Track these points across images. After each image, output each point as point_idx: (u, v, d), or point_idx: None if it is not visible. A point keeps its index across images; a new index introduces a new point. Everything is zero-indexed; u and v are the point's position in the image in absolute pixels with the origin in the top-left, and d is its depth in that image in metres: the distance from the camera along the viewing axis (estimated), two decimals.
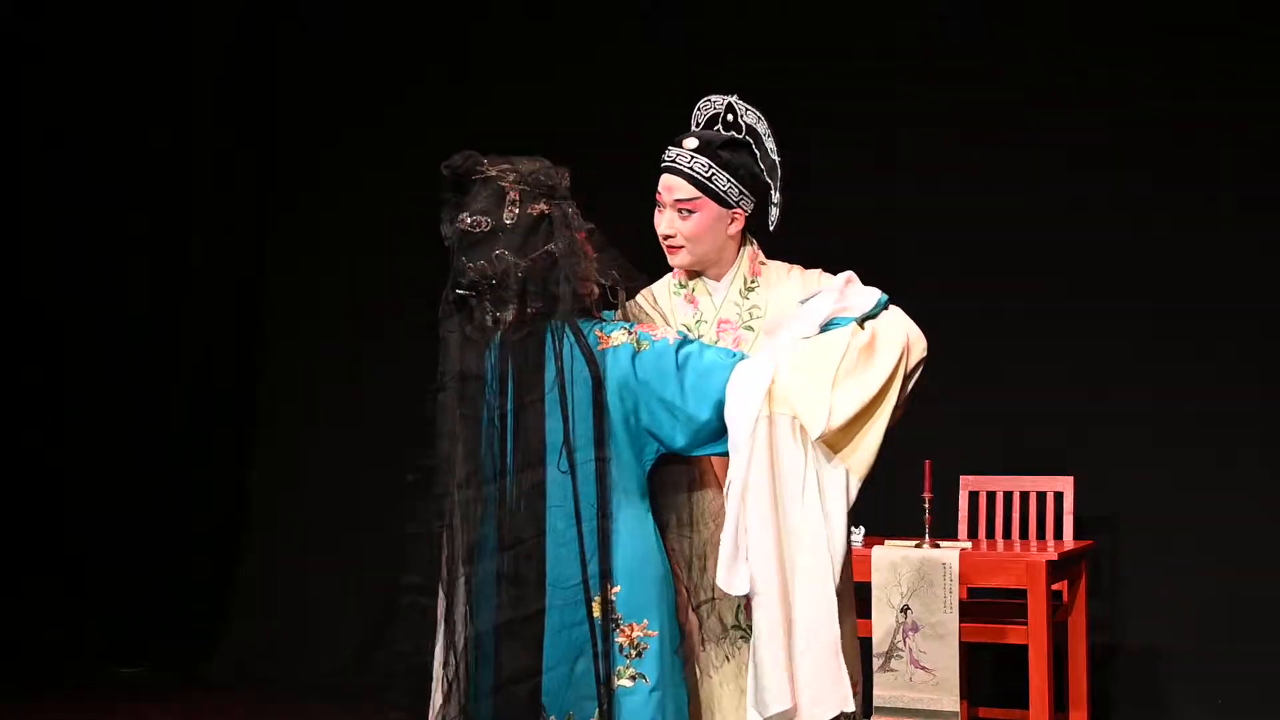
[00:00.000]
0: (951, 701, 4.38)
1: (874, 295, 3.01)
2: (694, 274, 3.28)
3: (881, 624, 4.46)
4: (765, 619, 2.86)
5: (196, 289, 7.91)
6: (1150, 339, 5.86)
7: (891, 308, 3.00)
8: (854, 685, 2.93)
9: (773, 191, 3.21)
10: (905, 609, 4.42)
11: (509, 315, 2.94)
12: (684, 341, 2.95)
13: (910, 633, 4.42)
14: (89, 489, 7.85)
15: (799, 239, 3.33)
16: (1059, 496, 5.35)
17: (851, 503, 2.90)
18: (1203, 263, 5.79)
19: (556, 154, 3.05)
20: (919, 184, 6.23)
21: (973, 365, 6.09)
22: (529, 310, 2.93)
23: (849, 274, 3.08)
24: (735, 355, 2.94)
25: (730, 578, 2.88)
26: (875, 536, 4.71)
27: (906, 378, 2.91)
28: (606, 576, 2.90)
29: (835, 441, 2.87)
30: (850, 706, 2.90)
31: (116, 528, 7.86)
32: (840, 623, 2.92)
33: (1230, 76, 5.75)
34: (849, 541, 2.94)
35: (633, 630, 2.92)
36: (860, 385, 2.87)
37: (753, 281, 3.28)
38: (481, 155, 3.04)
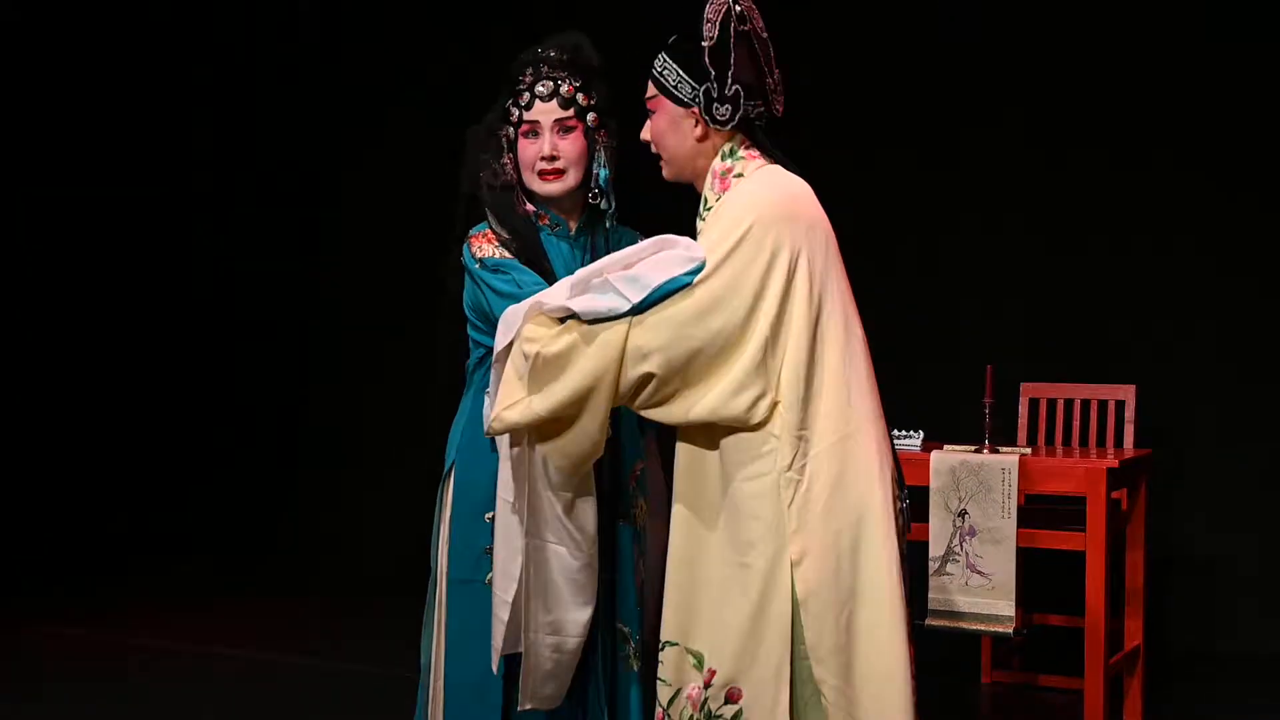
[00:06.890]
0: (1007, 607, 4.37)
1: (665, 272, 2.73)
2: None
3: (938, 528, 4.45)
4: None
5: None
6: (1213, 248, 5.79)
7: (657, 309, 2.71)
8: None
9: (710, 81, 2.83)
10: (963, 513, 4.41)
11: None
12: (485, 263, 3.04)
13: (967, 537, 4.41)
14: (148, 384, 7.95)
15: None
16: (1120, 405, 5.30)
17: (551, 484, 2.81)
18: (1267, 170, 5.69)
19: None
20: (972, 96, 6.14)
21: (1034, 271, 6.03)
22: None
23: (667, 238, 2.81)
24: (523, 291, 2.94)
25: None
26: (934, 441, 4.68)
27: (620, 394, 2.75)
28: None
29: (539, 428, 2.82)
30: (494, 669, 2.97)
31: (175, 422, 7.96)
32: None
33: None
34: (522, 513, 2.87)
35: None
36: (536, 401, 2.77)
37: (717, 198, 2.89)
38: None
